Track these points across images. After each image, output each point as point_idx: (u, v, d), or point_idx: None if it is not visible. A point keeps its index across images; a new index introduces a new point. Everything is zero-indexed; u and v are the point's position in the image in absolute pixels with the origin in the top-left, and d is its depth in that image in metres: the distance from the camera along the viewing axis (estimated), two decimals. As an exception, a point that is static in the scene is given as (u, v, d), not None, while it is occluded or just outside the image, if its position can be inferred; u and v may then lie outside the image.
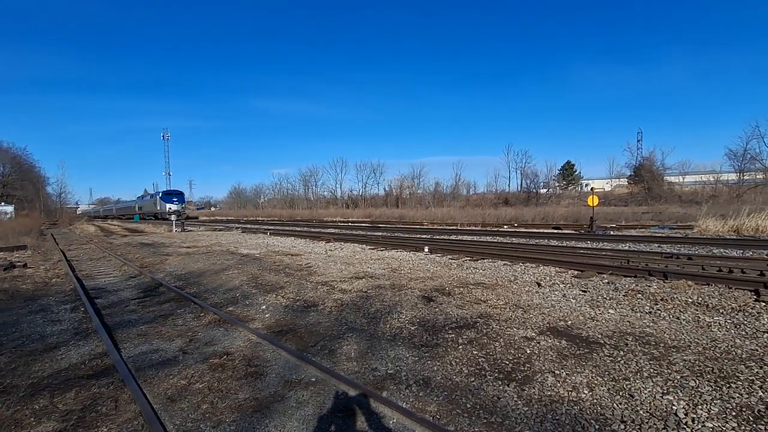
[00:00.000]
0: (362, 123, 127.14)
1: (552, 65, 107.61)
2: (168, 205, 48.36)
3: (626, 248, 10.73)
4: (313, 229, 23.54)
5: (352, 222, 35.89)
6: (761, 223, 13.28)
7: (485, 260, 9.01)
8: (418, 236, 16.49)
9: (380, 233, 19.06)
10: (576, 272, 7.18)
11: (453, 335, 4.18)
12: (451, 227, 24.13)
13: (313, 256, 10.78)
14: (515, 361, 3.51)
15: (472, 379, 3.22)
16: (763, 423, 2.45)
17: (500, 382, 3.13)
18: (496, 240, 14.31)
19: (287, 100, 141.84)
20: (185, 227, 26.42)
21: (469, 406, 2.82)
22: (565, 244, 12.06)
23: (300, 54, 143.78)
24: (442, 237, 15.90)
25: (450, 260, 9.21)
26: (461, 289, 6.23)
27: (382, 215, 43.35)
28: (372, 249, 12.03)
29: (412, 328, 4.47)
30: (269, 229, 22.84)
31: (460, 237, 15.98)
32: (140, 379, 3.37)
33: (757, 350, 3.53)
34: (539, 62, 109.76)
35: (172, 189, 54.63)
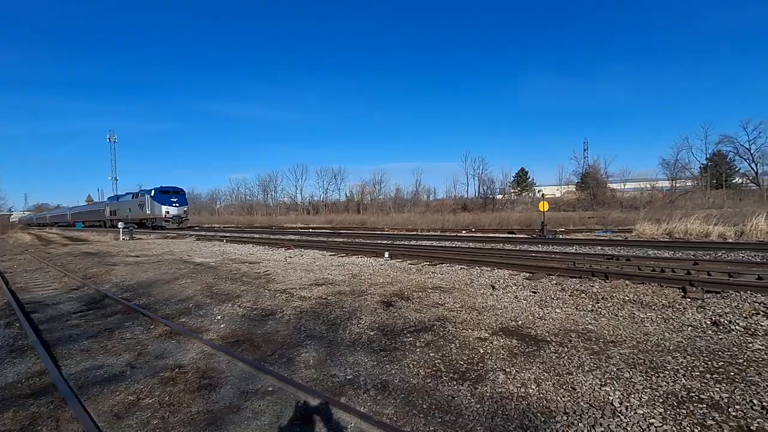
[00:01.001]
0: (323, 128, 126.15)
1: (506, 75, 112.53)
2: (165, 208, 34.08)
3: (573, 251, 11.41)
4: (272, 236, 23.01)
5: (312, 228, 35.46)
6: (690, 226, 14.60)
7: (444, 265, 9.25)
8: (379, 242, 16.61)
9: (341, 239, 19.01)
10: (528, 274, 7.55)
11: (411, 339, 4.28)
12: (411, 233, 24.47)
13: (272, 264, 10.57)
14: (469, 361, 3.66)
15: (429, 380, 3.31)
16: (684, 408, 2.72)
17: (455, 382, 3.25)
18: (454, 245, 14.69)
19: (245, 104, 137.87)
20: (133, 235, 24.93)
21: (425, 406, 2.90)
22: (518, 248, 12.62)
23: (259, 57, 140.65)
24: (402, 243, 16.10)
25: (410, 265, 9.37)
26: (420, 293, 6.37)
27: (344, 221, 43.22)
28: (333, 255, 11.98)
29: (372, 333, 4.53)
30: (226, 236, 22.09)
31: (420, 242, 16.26)
32: (83, 397, 3.18)
33: (682, 342, 3.91)
34: (494, 72, 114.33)
35: (168, 186, 36.56)
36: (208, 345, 4.31)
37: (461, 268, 8.63)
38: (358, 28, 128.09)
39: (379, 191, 63.83)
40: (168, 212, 34.16)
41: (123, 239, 22.80)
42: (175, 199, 35.40)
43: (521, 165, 69.95)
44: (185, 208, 36.52)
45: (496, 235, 20.35)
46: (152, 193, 35.35)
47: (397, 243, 15.84)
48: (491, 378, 3.29)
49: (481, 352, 3.85)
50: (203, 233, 27.46)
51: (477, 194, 56.73)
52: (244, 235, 25.06)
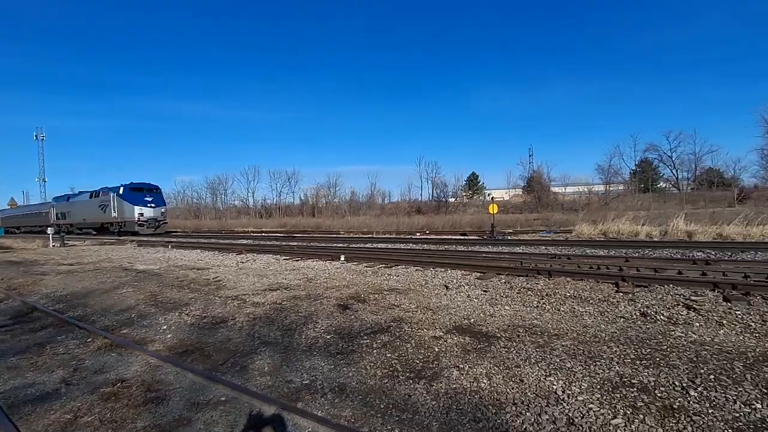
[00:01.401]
0: (277, 130, 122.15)
1: (457, 82, 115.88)
2: (137, 209, 28.48)
3: (520, 251, 12.02)
4: (222, 241, 22.11)
5: (265, 232, 34.49)
6: (621, 227, 15.91)
7: (399, 267, 9.39)
8: (335, 245, 16.52)
9: (296, 243, 18.67)
10: (479, 274, 7.86)
11: (368, 340, 4.32)
12: (366, 236, 24.55)
13: (223, 270, 10.18)
14: (425, 359, 3.76)
15: (386, 380, 3.36)
16: (618, 392, 2.98)
17: (411, 381, 3.32)
18: (409, 247, 14.95)
19: (191, 102, 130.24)
20: (65, 241, 22.87)
21: (382, 406, 2.95)
22: (470, 249, 13.09)
23: (208, 55, 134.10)
24: (358, 245, 16.12)
25: (365, 268, 9.41)
26: (376, 295, 6.43)
27: (298, 225, 42.46)
28: (287, 259, 11.74)
29: (328, 337, 4.51)
30: (171, 242, 20.90)
31: (375, 245, 16.37)
32: (15, 417, 2.90)
33: (616, 333, 4.27)
34: (447, 78, 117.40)
35: (140, 182, 30.75)
36: (153, 357, 4.08)
37: (416, 270, 8.81)
38: (312, 28, 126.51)
39: (334, 194, 63.51)
40: (142, 214, 28.33)
41: (53, 246, 20.85)
42: (149, 199, 29.37)
43: (472, 169, 72.54)
44: (163, 210, 30.66)
45: (449, 236, 20.95)
46: (120, 191, 28.99)
47: (353, 246, 15.84)
48: (446, 375, 3.40)
49: (436, 350, 3.96)
50: (146, 239, 25.76)
51: (431, 197, 58.19)
52: (191, 240, 23.86)
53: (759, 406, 2.70)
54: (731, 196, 41.54)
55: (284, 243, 18.97)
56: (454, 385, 3.20)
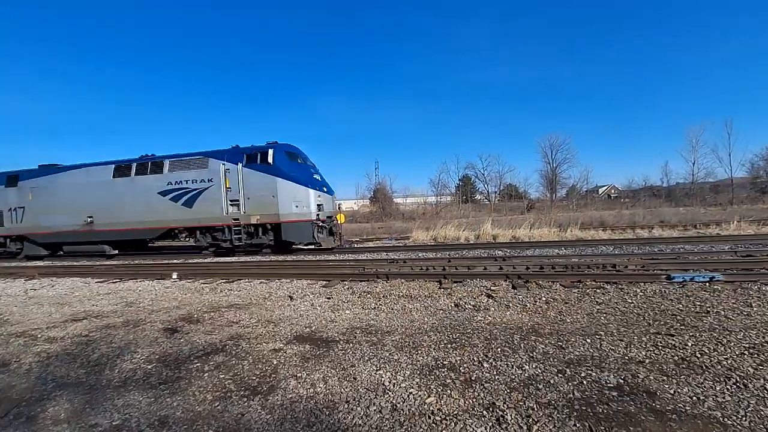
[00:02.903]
0: (76, 125, 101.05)
1: (306, 96, 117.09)
2: (315, 197, 14.46)
3: (365, 258, 12.76)
4: (5, 263, 17.00)
5: (71, 250, 27.90)
6: (447, 233, 18.51)
7: (242, 281, 8.87)
8: (166, 261, 14.54)
9: (115, 262, 15.72)
10: (324, 282, 8.04)
11: (199, 364, 3.96)
12: (207, 249, 22.32)
13: (4, 300, 7.88)
14: (262, 374, 3.66)
15: (217, 403, 3.15)
16: (433, 374, 3.46)
17: (246, 399, 3.19)
18: (255, 259, 14.25)
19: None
20: None
21: (211, 431, 2.76)
22: (318, 258, 13.26)
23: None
24: (195, 261, 14.56)
25: (202, 285, 8.58)
26: (212, 313, 5.94)
27: (119, 240, 35.75)
28: (100, 282, 9.80)
29: (149, 367, 3.96)
30: None
31: (216, 259, 15.06)
32: None
33: (435, 323, 4.94)
34: (296, 91, 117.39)
35: (287, 143, 15.34)
36: None
37: (260, 283, 8.47)
38: (163, 29, 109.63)
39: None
40: (320, 206, 14.89)
41: None
42: (318, 178, 15.77)
43: (324, 181, 74.08)
44: (334, 200, 17.02)
45: (298, 246, 20.76)
46: (269, 157, 14.34)
47: (190, 261, 14.24)
48: (283, 386, 3.38)
49: (275, 362, 3.90)
50: None
51: (281, 207, 56.57)
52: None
53: (527, 367, 3.51)
54: (523, 206, 52.69)
55: (98, 262, 15.75)
56: (291, 395, 3.21)
